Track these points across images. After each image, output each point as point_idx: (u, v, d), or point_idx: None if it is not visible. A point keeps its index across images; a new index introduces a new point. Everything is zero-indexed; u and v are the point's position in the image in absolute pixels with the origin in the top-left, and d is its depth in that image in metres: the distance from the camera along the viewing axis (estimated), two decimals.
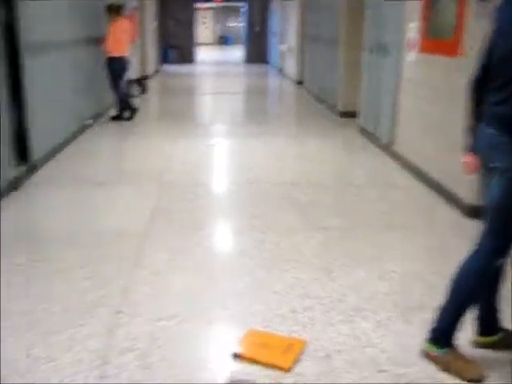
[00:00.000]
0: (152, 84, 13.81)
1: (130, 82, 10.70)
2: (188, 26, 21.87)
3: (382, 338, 2.82)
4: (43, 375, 2.51)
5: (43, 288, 3.33)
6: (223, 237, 4.44)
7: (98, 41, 8.80)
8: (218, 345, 2.82)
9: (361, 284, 3.42)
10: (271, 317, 3.02)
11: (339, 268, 3.65)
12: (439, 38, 5.31)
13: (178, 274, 3.55)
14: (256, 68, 20.14)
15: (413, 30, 5.93)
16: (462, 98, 3.32)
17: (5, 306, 3.08)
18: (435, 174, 5.28)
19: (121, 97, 9.05)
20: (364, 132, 7.94)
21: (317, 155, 6.91)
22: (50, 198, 5.05)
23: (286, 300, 3.21)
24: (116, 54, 8.70)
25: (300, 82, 14.14)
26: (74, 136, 7.35)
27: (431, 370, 2.56)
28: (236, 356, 2.63)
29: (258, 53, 22.22)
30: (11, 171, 5.15)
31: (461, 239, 4.13)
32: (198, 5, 24.50)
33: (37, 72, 5.86)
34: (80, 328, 2.89)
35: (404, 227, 4.41)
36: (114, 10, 8.84)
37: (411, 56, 6.02)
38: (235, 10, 33.01)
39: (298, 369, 2.56)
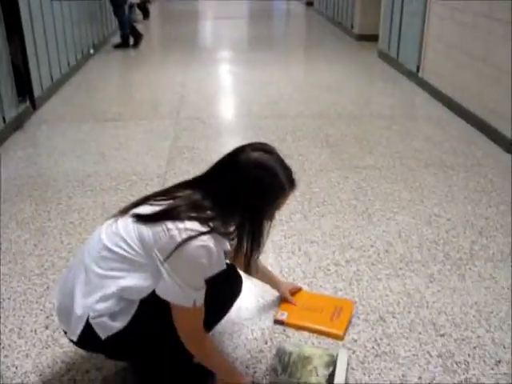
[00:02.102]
0: (153, 9, 13.11)
1: (132, 6, 10.11)
2: None
3: (437, 296, 2.56)
4: None
5: (55, 244, 3.03)
6: None
7: None
8: (259, 307, 2.54)
9: (406, 231, 3.14)
10: (313, 271, 2.75)
11: (380, 213, 3.36)
12: None
13: None
14: None
15: None
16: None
17: (14, 267, 2.82)
18: (472, 106, 4.89)
19: (124, 23, 8.52)
20: (385, 57, 7.48)
21: (338, 84, 6.48)
22: (56, 137, 4.70)
23: (327, 251, 2.94)
24: None
25: (310, 3, 13.45)
26: (76, 67, 6.91)
27: (498, 334, 2.30)
28: (279, 322, 2.34)
29: None
30: (13, 109, 4.78)
31: (505, 179, 3.85)
32: None
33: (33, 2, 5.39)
34: None
35: (444, 166, 4.07)
36: None
37: None
38: None
39: (351, 335, 2.31)
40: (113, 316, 1.67)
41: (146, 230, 1.64)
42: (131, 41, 8.60)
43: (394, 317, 2.41)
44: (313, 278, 2.69)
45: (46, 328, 2.32)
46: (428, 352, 2.20)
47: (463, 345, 2.24)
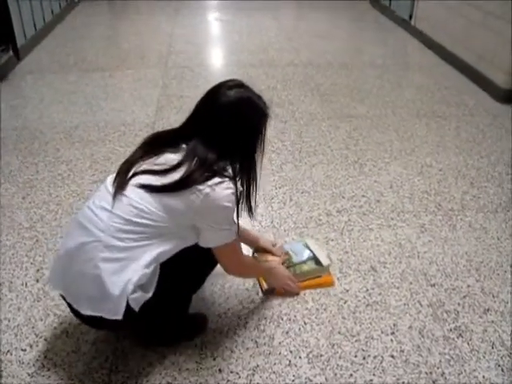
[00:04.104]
0: None
1: None
2: None
3: (428, 246, 2.57)
4: None
5: (43, 196, 3.00)
6: None
7: None
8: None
9: (397, 181, 3.13)
10: (304, 221, 2.74)
11: (371, 162, 3.34)
12: None
13: None
14: None
15: None
16: None
17: (2, 221, 2.79)
18: (465, 55, 4.82)
19: None
20: (376, 4, 7.33)
21: (329, 32, 6.35)
22: (42, 88, 4.59)
23: (318, 201, 2.93)
24: None
25: None
26: (60, 16, 6.72)
27: (488, 283, 2.32)
28: (269, 291, 2.26)
29: None
30: None
31: (497, 128, 3.84)
32: None
33: None
34: None
35: (435, 115, 4.04)
36: None
37: None
38: None
39: (342, 285, 2.31)
40: (144, 286, 1.64)
41: (173, 198, 1.62)
42: None
43: (385, 267, 2.42)
44: (304, 228, 2.69)
45: (37, 281, 2.31)
46: (419, 301, 2.21)
47: (453, 294, 2.26)
